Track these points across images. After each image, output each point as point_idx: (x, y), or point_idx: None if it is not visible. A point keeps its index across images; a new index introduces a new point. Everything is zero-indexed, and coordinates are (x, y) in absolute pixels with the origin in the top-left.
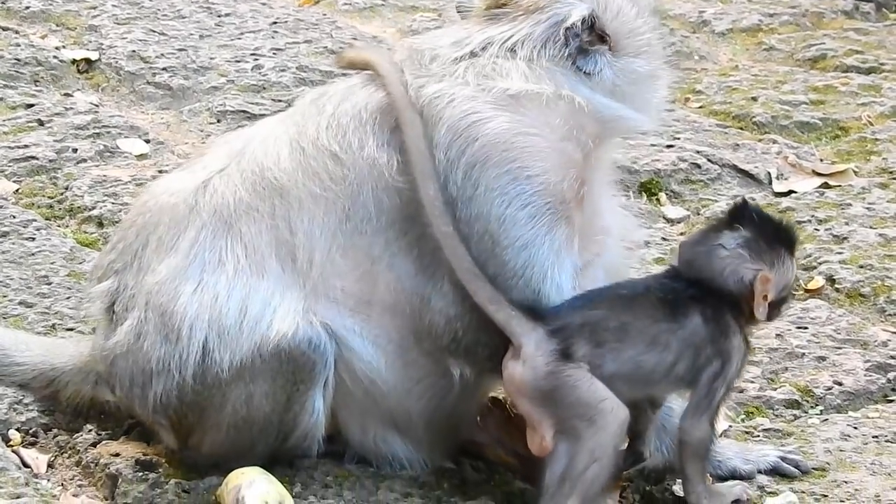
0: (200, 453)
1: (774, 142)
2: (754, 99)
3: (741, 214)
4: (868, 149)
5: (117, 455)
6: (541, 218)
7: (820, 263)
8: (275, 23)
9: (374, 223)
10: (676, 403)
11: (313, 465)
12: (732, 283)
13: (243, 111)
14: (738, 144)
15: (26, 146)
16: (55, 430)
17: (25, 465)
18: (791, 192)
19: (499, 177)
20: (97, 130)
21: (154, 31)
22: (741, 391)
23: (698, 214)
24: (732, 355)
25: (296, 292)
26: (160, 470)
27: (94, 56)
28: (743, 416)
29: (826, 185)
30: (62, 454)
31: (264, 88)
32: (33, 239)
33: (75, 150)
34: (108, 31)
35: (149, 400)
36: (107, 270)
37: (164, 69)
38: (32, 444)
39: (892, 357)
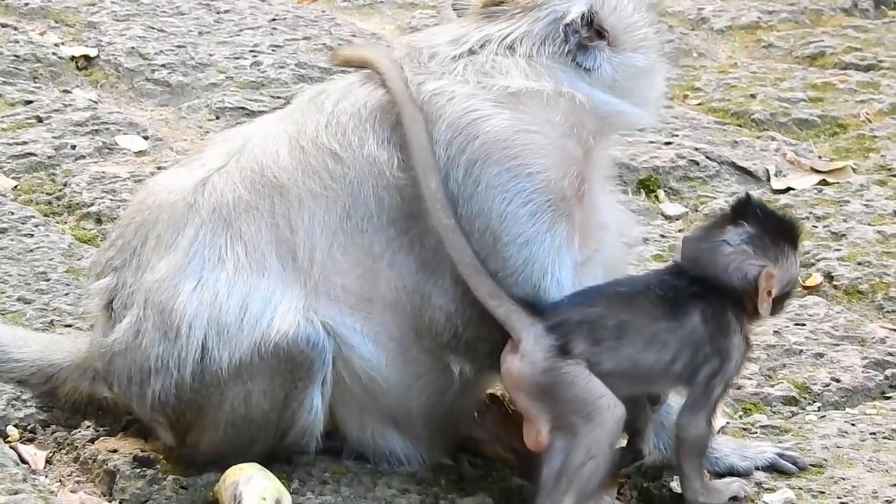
0: (198, 451)
1: (773, 139)
2: (753, 96)
3: (745, 210)
4: (866, 146)
5: (115, 451)
6: (541, 215)
7: (818, 260)
8: (274, 19)
9: (375, 221)
10: (675, 401)
11: (311, 462)
12: (736, 280)
13: (242, 108)
14: (736, 141)
15: (25, 143)
16: (53, 427)
17: (23, 461)
18: (789, 189)
19: (499, 174)
20: (96, 127)
21: (153, 28)
22: (739, 388)
23: (697, 211)
24: (732, 353)
25: (296, 290)
26: (158, 466)
27: (92, 53)
28: (740, 413)
29: (824, 182)
30: (60, 450)
31: (263, 85)
32: (32, 235)
33: (74, 147)
34: (107, 28)
35: (147, 397)
36: (105, 267)
37: (162, 66)
38: (30, 441)
39: (889, 354)
